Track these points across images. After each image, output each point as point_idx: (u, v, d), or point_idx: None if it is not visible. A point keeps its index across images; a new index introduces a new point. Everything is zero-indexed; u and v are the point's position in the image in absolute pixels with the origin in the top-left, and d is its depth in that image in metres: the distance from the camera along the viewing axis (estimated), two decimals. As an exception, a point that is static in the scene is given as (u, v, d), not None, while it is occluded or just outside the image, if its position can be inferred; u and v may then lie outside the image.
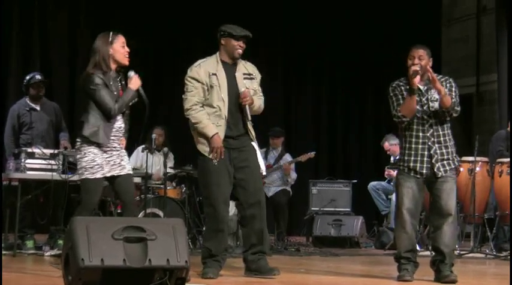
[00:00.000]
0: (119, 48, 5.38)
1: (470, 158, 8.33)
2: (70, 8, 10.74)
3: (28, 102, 7.74)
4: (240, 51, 5.57)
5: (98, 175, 5.29)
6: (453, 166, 5.53)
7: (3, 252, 6.54)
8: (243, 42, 5.57)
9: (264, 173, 5.79)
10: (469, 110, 12.63)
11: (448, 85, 5.55)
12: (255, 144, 5.65)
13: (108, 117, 5.32)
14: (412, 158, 5.51)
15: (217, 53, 5.63)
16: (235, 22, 5.67)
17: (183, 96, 5.59)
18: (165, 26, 11.02)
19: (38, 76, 7.78)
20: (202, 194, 5.92)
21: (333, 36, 12.17)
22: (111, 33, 5.41)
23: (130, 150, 8.41)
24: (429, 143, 5.48)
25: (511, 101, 10.76)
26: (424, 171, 5.48)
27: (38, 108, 7.74)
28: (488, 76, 12.37)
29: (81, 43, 10.69)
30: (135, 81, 5.40)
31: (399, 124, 5.55)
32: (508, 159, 8.18)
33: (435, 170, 5.46)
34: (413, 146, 5.52)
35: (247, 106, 5.53)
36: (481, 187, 8.30)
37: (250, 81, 5.63)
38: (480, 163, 8.39)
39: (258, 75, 5.72)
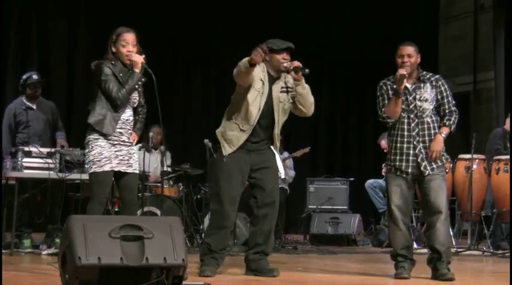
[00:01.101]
0: (120, 48, 5.37)
1: (468, 156, 8.35)
2: (70, 8, 10.74)
3: (24, 100, 7.74)
4: (286, 63, 5.48)
5: (106, 168, 5.27)
6: (440, 164, 5.50)
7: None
8: (287, 54, 5.52)
9: (283, 176, 5.80)
10: (466, 108, 12.65)
11: (441, 87, 5.54)
12: (273, 149, 5.65)
13: (115, 106, 5.30)
14: (398, 157, 5.52)
15: (263, 64, 5.54)
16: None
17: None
18: (165, 26, 11.02)
19: (35, 76, 7.77)
20: (211, 191, 5.91)
21: (333, 36, 12.18)
22: (116, 31, 5.40)
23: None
24: (414, 142, 5.47)
25: (509, 99, 10.77)
26: (410, 170, 5.48)
27: (34, 106, 7.74)
28: (486, 74, 12.39)
29: (81, 43, 10.72)
30: (136, 62, 5.34)
31: (384, 124, 5.59)
32: (505, 156, 8.19)
33: (422, 169, 5.45)
34: (398, 145, 5.52)
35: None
36: (478, 185, 8.31)
37: (286, 94, 5.57)
38: (477, 160, 8.40)
39: None
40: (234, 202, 5.54)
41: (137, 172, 5.49)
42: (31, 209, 7.48)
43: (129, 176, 5.38)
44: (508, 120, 8.68)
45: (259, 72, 5.47)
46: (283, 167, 5.79)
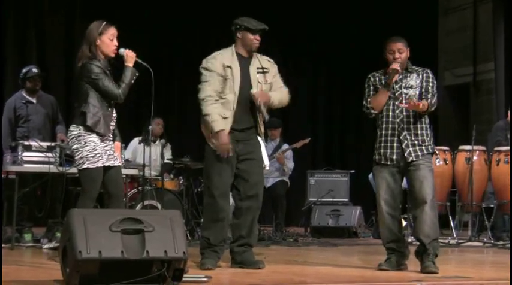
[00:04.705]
0: (107, 41, 5.32)
1: (468, 148, 8.35)
2: (67, 4, 10.72)
3: (24, 94, 7.73)
4: (257, 44, 5.55)
5: (99, 164, 5.27)
6: (426, 152, 5.44)
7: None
8: (260, 35, 5.56)
9: (268, 168, 5.81)
10: (466, 100, 12.63)
11: (428, 77, 5.49)
12: (260, 139, 5.66)
13: (116, 102, 5.32)
14: (383, 144, 5.54)
15: (233, 46, 5.61)
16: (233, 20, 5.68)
17: (198, 86, 5.55)
18: (165, 26, 11.00)
19: (35, 70, 7.77)
20: (203, 184, 5.93)
21: (333, 31, 12.19)
22: (103, 23, 5.34)
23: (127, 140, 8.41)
24: (399, 129, 5.46)
25: (509, 90, 10.75)
26: (395, 157, 5.46)
27: (34, 100, 7.74)
28: (486, 66, 12.35)
29: (78, 37, 10.65)
30: (129, 57, 5.33)
31: (367, 115, 5.60)
32: (505, 148, 8.19)
33: (406, 155, 5.41)
34: (383, 132, 5.53)
35: (262, 106, 5.48)
36: (479, 176, 8.31)
37: (262, 75, 5.59)
38: (478, 152, 8.40)
39: (272, 67, 5.69)
40: (226, 194, 5.56)
41: (120, 164, 5.51)
42: (31, 204, 7.48)
43: (114, 170, 5.37)
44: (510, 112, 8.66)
45: (224, 60, 5.50)
46: (267, 158, 5.79)
